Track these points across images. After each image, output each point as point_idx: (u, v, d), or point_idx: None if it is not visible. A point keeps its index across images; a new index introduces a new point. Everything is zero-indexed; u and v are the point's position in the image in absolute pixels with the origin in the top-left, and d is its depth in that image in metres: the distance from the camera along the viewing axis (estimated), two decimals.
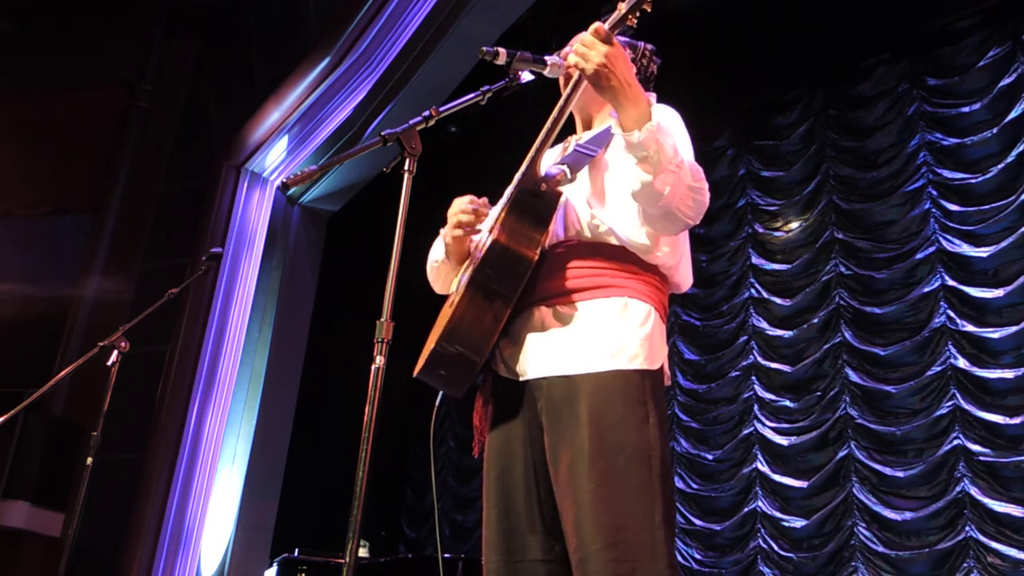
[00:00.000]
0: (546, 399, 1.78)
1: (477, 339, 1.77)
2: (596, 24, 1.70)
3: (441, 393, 1.90)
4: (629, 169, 1.71)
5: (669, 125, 1.78)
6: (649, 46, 2.12)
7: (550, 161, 1.97)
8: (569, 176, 1.80)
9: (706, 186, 1.77)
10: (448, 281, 2.06)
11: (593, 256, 1.83)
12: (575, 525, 1.67)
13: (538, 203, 1.78)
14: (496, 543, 1.81)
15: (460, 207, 1.95)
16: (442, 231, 2.01)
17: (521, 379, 1.83)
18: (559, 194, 1.80)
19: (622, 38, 2.10)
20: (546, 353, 1.80)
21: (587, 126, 2.08)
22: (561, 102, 1.83)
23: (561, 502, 1.72)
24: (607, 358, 1.74)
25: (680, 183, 1.69)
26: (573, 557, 1.68)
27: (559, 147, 2.09)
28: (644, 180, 1.68)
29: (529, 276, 1.79)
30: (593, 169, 1.89)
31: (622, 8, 1.71)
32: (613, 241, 1.83)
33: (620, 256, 1.83)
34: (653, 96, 1.78)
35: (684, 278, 1.94)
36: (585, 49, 1.68)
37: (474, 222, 1.94)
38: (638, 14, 1.73)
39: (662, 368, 1.83)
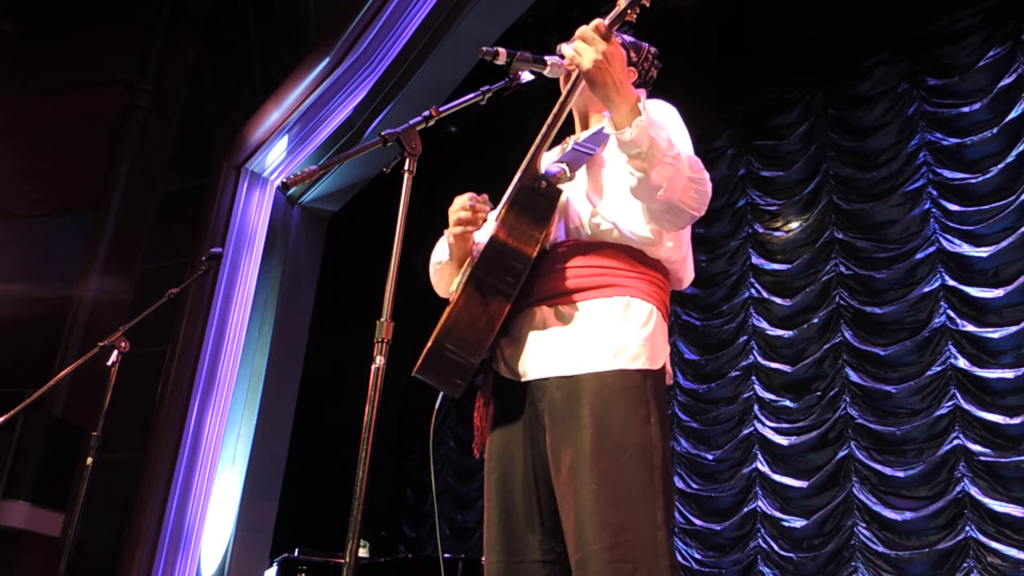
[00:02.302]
0: (548, 399, 1.77)
1: (475, 337, 1.76)
2: (596, 21, 1.69)
3: (441, 394, 1.90)
4: (625, 166, 1.70)
5: (662, 119, 1.77)
6: (653, 49, 2.11)
7: (549, 161, 1.97)
8: (569, 174, 1.79)
9: (706, 176, 1.76)
10: (450, 281, 2.06)
11: (594, 255, 1.82)
12: (576, 525, 1.66)
13: (538, 200, 1.77)
14: (497, 543, 1.81)
15: (460, 204, 1.95)
16: (446, 232, 2.01)
17: (522, 379, 1.82)
18: (559, 191, 1.79)
19: (627, 37, 2.10)
20: (548, 353, 1.79)
21: (585, 125, 2.08)
22: (561, 99, 1.83)
23: (562, 502, 1.72)
24: (609, 358, 1.74)
25: (678, 175, 1.69)
26: (573, 557, 1.67)
27: (558, 147, 2.09)
28: (639, 176, 1.68)
29: (529, 274, 1.78)
30: (592, 167, 1.89)
31: (621, 3, 1.70)
32: (615, 239, 1.83)
33: (622, 254, 1.82)
34: (643, 92, 1.77)
35: (687, 273, 1.94)
36: (584, 45, 1.67)
37: (473, 220, 1.94)
38: (638, 10, 1.72)
39: (664, 367, 1.82)
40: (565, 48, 1.72)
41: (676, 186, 1.69)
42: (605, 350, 1.74)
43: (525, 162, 1.81)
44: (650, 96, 2.07)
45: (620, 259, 1.82)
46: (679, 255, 1.89)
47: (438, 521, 2.16)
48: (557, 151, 2.06)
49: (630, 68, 2.06)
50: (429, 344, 1.79)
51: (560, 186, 1.80)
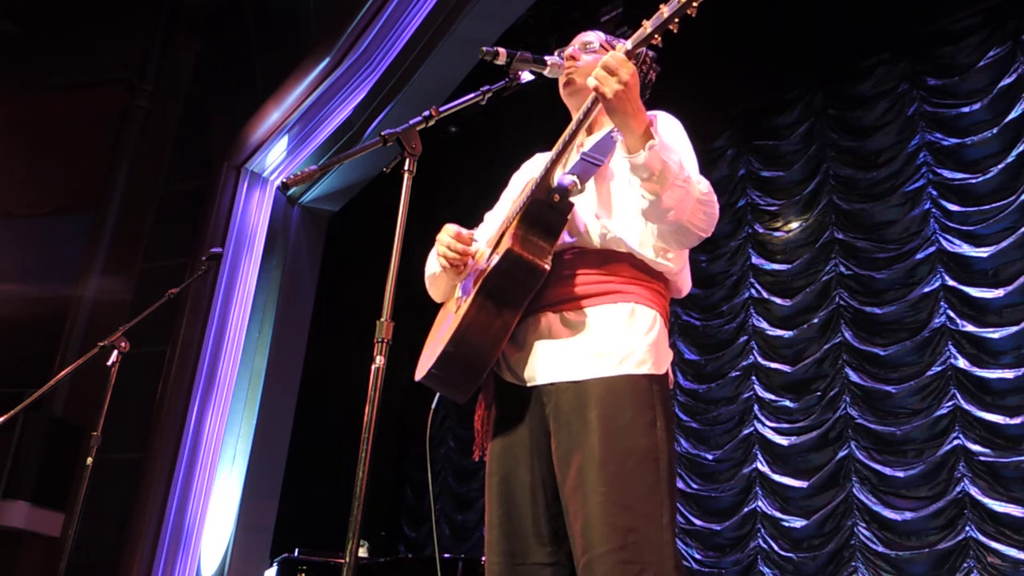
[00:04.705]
0: (554, 404, 1.79)
1: (485, 346, 1.79)
2: (622, 48, 1.69)
3: (438, 395, 1.92)
4: (636, 189, 1.73)
5: (672, 141, 1.79)
6: (651, 53, 2.12)
7: (545, 162, 1.98)
8: (580, 187, 1.81)
9: (715, 198, 1.79)
10: (447, 290, 2.08)
11: (600, 263, 1.85)
12: (583, 528, 1.68)
13: (550, 214, 1.80)
14: (498, 546, 1.82)
15: (448, 242, 1.95)
16: (436, 251, 2.01)
17: (528, 384, 1.84)
18: (571, 205, 1.82)
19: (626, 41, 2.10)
20: (554, 359, 1.81)
21: (588, 130, 2.08)
22: (578, 117, 1.82)
23: (569, 505, 1.73)
24: (615, 364, 1.76)
25: (688, 197, 1.72)
26: (579, 560, 1.68)
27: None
28: (651, 199, 1.71)
29: None
30: (599, 178, 1.90)
31: (647, 27, 1.69)
32: (620, 248, 1.85)
33: (626, 263, 1.85)
34: (655, 117, 1.78)
35: (685, 283, 1.97)
36: (606, 74, 1.67)
37: (458, 263, 1.94)
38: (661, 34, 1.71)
39: (667, 372, 1.85)
40: (589, 80, 1.70)
41: (685, 208, 1.72)
42: (612, 356, 1.77)
43: (539, 176, 1.82)
44: (651, 100, 2.07)
45: (624, 267, 1.84)
46: (678, 266, 1.92)
47: (435, 521, 2.17)
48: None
49: None
50: (438, 351, 1.82)
51: (571, 198, 1.82)
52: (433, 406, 1.99)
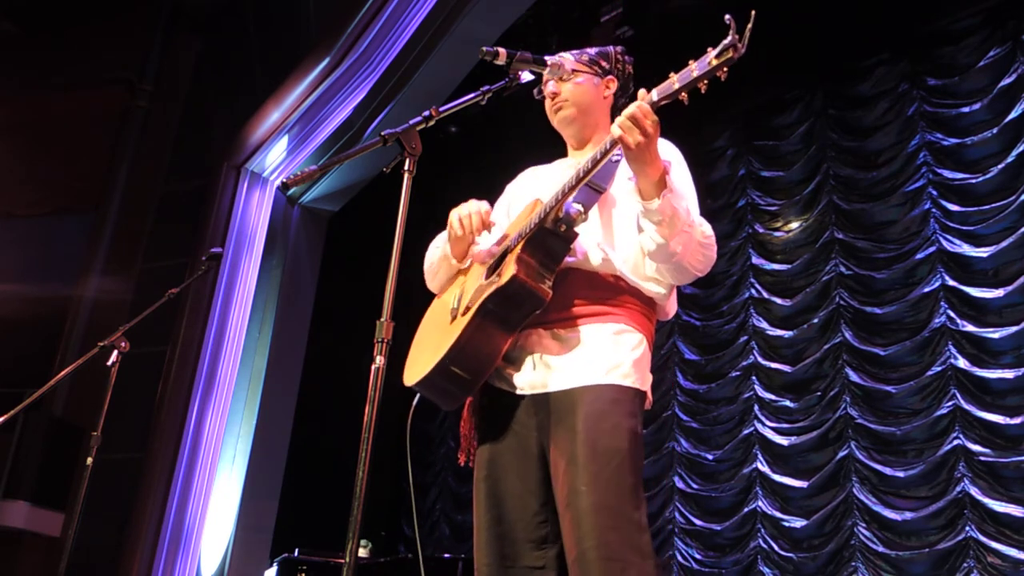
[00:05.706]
0: (544, 412, 1.86)
1: (481, 361, 1.85)
2: (647, 99, 1.70)
3: (418, 395, 1.96)
4: (647, 233, 1.81)
5: (681, 186, 1.85)
6: (619, 48, 2.17)
7: (544, 179, 2.03)
8: (585, 215, 1.86)
9: (714, 240, 1.87)
10: (444, 281, 2.10)
11: (594, 285, 1.91)
12: (572, 526, 1.73)
13: (555, 242, 1.86)
14: (488, 548, 1.88)
15: (477, 208, 1.98)
16: (456, 212, 2.02)
17: (518, 392, 1.90)
18: (576, 235, 1.87)
19: (591, 50, 2.13)
20: (545, 371, 1.87)
21: (581, 146, 2.13)
22: (594, 156, 1.82)
23: (558, 504, 1.79)
24: (603, 373, 1.83)
25: (692, 241, 1.81)
26: (569, 555, 1.74)
27: (554, 167, 2.14)
28: (659, 242, 1.79)
29: None
30: (600, 204, 1.94)
31: (675, 83, 1.68)
32: (614, 273, 1.91)
33: (618, 286, 1.92)
34: (669, 163, 1.79)
35: (672, 306, 2.04)
36: (631, 125, 1.70)
37: (469, 233, 1.97)
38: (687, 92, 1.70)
39: (647, 394, 1.91)
40: (614, 129, 1.72)
41: (688, 250, 1.81)
42: (600, 366, 1.83)
43: (547, 206, 1.85)
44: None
45: (616, 291, 1.91)
46: (667, 292, 1.98)
47: (416, 523, 2.19)
48: (554, 169, 2.13)
49: (609, 77, 2.10)
50: (435, 363, 1.86)
51: (576, 228, 1.87)
52: (414, 404, 2.02)
